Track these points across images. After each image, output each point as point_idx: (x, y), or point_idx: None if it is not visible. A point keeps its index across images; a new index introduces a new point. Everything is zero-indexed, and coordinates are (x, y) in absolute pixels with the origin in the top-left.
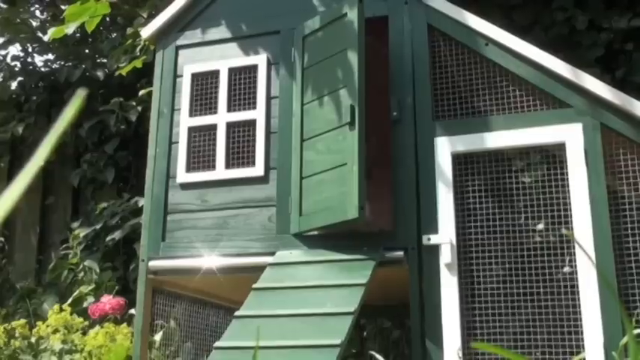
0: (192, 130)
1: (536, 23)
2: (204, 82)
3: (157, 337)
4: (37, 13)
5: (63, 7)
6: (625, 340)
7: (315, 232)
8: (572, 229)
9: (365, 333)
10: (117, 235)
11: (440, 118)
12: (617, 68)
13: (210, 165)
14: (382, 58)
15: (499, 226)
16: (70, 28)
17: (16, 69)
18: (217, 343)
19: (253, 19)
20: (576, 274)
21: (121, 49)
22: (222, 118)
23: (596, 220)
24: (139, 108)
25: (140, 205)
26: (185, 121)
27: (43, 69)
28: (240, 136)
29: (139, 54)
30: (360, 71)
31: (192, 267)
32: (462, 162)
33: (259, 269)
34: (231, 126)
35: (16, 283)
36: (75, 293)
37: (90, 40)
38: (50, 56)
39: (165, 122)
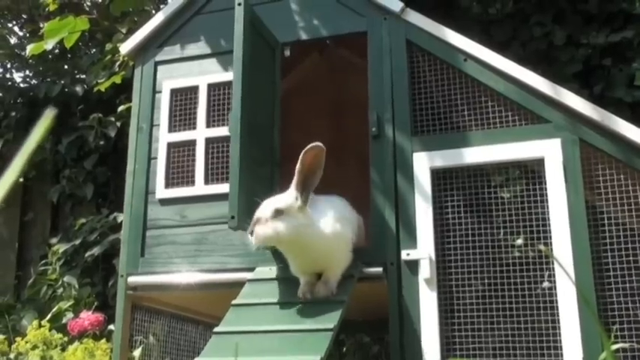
0: (171, 146)
1: (515, 39)
2: (184, 98)
3: (136, 352)
4: (16, 29)
5: (42, 23)
6: (603, 355)
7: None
8: (551, 244)
9: (344, 348)
10: (96, 250)
11: (419, 134)
12: (596, 84)
13: (190, 180)
14: (362, 74)
15: (478, 242)
16: (49, 44)
17: None
18: (197, 359)
19: (232, 35)
20: (555, 289)
21: (100, 64)
22: (201, 133)
23: (575, 235)
24: (118, 124)
25: (119, 220)
26: (164, 136)
27: (21, 85)
28: (220, 151)
29: (117, 70)
30: (237, 76)
31: (171, 283)
32: (440, 177)
33: (238, 285)
34: (210, 141)
35: None
36: (54, 309)
37: (69, 55)
38: (29, 72)
39: (145, 138)
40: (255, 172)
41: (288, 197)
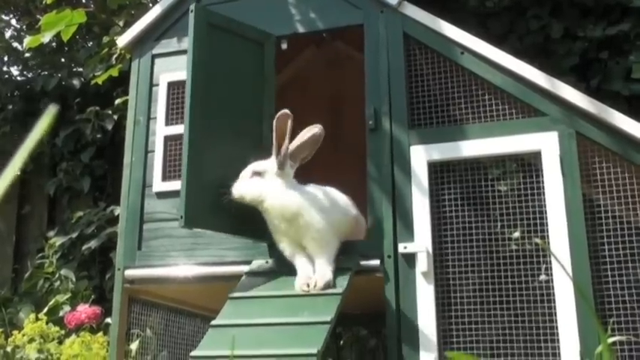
0: (168, 139)
1: (512, 32)
2: (181, 91)
3: (133, 346)
4: (13, 22)
5: (39, 16)
6: (600, 348)
7: None
8: (548, 237)
9: (341, 341)
10: (93, 244)
11: (416, 127)
12: (593, 77)
13: None
14: (358, 67)
15: (475, 235)
16: (46, 37)
17: None
18: (193, 353)
19: None
20: (552, 282)
21: (97, 57)
22: None
23: (572, 228)
24: (115, 117)
25: (116, 213)
26: (161, 129)
27: (18, 78)
28: None
29: (114, 63)
30: (189, 81)
31: (168, 276)
32: (437, 170)
33: (236, 278)
34: None
35: None
36: (51, 302)
37: (66, 49)
38: (26, 65)
39: (141, 131)
40: (233, 168)
41: (268, 162)
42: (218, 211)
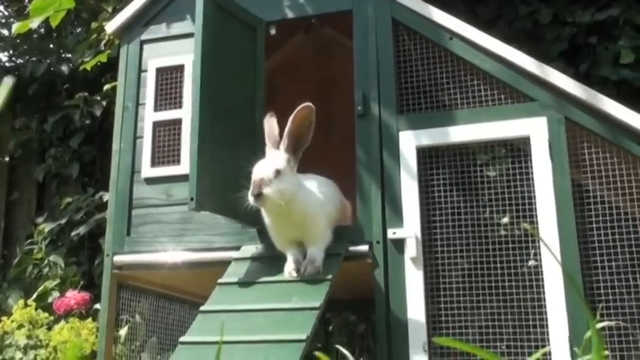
0: (157, 125)
1: (500, 17)
2: (169, 77)
3: (122, 331)
4: (1, 8)
5: (27, 1)
6: (589, 334)
7: None
8: (537, 222)
9: (330, 327)
10: (82, 230)
11: (405, 112)
12: (581, 62)
13: (175, 160)
14: (347, 53)
15: (464, 220)
16: (34, 23)
17: None
18: (182, 338)
19: None
20: (541, 267)
21: (86, 43)
22: (187, 112)
23: (560, 214)
24: (104, 103)
25: (105, 199)
26: (150, 115)
27: (7, 64)
28: None
29: (103, 48)
30: (197, 61)
31: (157, 262)
32: (426, 156)
33: (225, 264)
34: None
35: None
36: (40, 288)
37: (54, 35)
38: (14, 51)
39: (130, 117)
40: (226, 152)
41: (282, 159)
42: (223, 194)
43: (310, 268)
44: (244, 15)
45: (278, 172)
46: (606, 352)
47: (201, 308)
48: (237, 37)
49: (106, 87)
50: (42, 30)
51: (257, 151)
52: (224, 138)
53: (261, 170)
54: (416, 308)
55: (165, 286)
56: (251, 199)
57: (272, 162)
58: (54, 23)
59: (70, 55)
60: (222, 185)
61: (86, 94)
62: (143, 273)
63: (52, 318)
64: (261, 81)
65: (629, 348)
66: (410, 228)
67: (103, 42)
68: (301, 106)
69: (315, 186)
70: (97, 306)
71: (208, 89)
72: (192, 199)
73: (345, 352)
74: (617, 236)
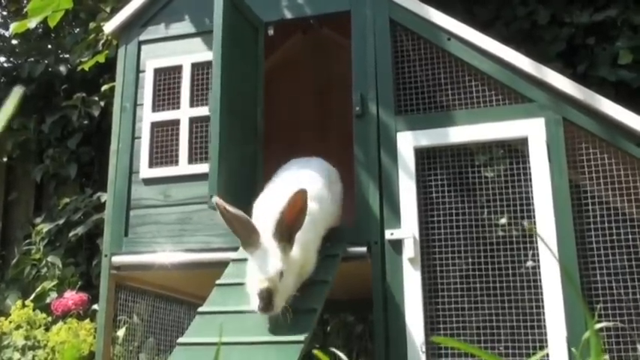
0: (154, 126)
1: (498, 18)
2: (167, 78)
3: (120, 332)
4: None
5: (25, 2)
6: (587, 334)
7: None
8: (534, 223)
9: (328, 328)
10: (80, 230)
11: (403, 113)
12: (579, 63)
13: (173, 160)
14: (345, 53)
15: (462, 221)
16: (32, 23)
17: None
18: (180, 339)
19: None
20: (539, 268)
21: (84, 43)
22: (185, 113)
23: (558, 214)
24: (102, 103)
25: (103, 200)
26: (148, 116)
27: (5, 65)
28: (204, 131)
29: (101, 49)
30: (217, 55)
31: (155, 262)
32: (424, 156)
33: (223, 265)
34: (194, 121)
35: None
36: (38, 289)
37: (52, 35)
38: (13, 52)
39: (128, 117)
40: (237, 151)
41: (280, 256)
42: (235, 191)
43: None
44: (250, 14)
45: (281, 274)
46: (605, 357)
47: (199, 309)
48: (244, 36)
49: (104, 87)
50: (40, 30)
51: (257, 151)
52: (235, 136)
53: (265, 278)
54: (414, 309)
55: (164, 287)
56: (258, 308)
57: (272, 263)
58: (52, 23)
59: (68, 56)
60: (234, 182)
61: (84, 94)
62: (141, 274)
63: (49, 319)
64: (262, 80)
65: (627, 349)
66: (408, 229)
67: (101, 42)
68: (294, 193)
69: (314, 195)
70: (95, 307)
71: (226, 87)
72: (212, 196)
73: (342, 356)
74: (615, 237)
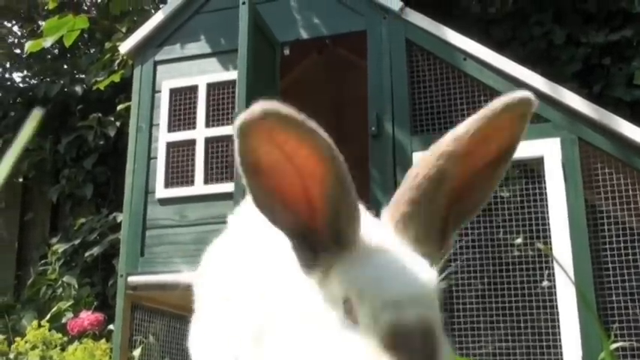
0: (170, 146)
1: (514, 38)
2: (183, 98)
3: (136, 352)
4: (15, 29)
5: (41, 22)
6: (602, 355)
7: None
8: (550, 243)
9: None
10: (95, 250)
11: (419, 133)
12: (595, 83)
13: (189, 180)
14: (361, 73)
15: (478, 241)
16: (47, 42)
17: None
18: None
19: (233, 34)
20: (555, 288)
21: (100, 63)
22: (200, 133)
23: (574, 234)
24: (118, 123)
25: (119, 220)
26: (164, 136)
27: (21, 85)
28: (219, 151)
29: (117, 69)
30: (242, 75)
31: (171, 282)
32: None
33: None
34: (209, 141)
35: None
36: (53, 309)
37: (68, 55)
38: (28, 72)
39: (144, 137)
40: None
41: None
42: None
43: None
44: (269, 33)
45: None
46: None
47: None
48: (264, 56)
49: (120, 107)
50: (56, 51)
51: None
52: None
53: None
54: None
55: (180, 307)
56: None
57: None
58: (67, 43)
59: (83, 76)
60: None
61: (100, 114)
62: (157, 294)
63: (65, 339)
64: (278, 99)
65: None
66: None
67: (117, 62)
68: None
69: None
70: (111, 327)
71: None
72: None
73: None
74: (630, 256)
